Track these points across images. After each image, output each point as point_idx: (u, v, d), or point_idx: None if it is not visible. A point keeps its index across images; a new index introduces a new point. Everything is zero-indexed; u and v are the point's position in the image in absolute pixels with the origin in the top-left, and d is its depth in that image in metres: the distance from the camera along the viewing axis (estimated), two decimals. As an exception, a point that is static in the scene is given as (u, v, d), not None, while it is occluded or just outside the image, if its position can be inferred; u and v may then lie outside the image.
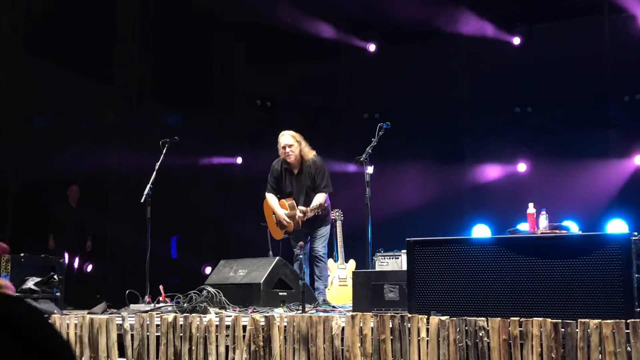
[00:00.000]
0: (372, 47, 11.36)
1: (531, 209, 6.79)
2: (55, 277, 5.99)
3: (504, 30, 10.75)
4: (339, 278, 7.77)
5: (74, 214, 9.72)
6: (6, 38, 8.88)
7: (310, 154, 7.29)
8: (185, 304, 5.79)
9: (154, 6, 10.42)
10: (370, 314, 4.30)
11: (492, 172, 10.96)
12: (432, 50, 11.14)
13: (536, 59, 10.51)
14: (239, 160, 11.57)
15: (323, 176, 7.20)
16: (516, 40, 10.77)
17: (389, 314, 4.25)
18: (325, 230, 7.37)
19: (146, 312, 5.15)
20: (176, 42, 10.54)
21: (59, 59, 9.19)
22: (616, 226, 9.03)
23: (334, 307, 6.28)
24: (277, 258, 6.72)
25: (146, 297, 6.82)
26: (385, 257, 8.21)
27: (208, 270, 9.91)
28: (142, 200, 7.33)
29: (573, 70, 10.27)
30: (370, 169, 7.19)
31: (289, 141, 7.20)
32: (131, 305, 6.34)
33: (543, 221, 6.73)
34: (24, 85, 8.97)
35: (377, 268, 7.82)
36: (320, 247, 7.29)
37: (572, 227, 8.04)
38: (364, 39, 11.30)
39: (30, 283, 5.57)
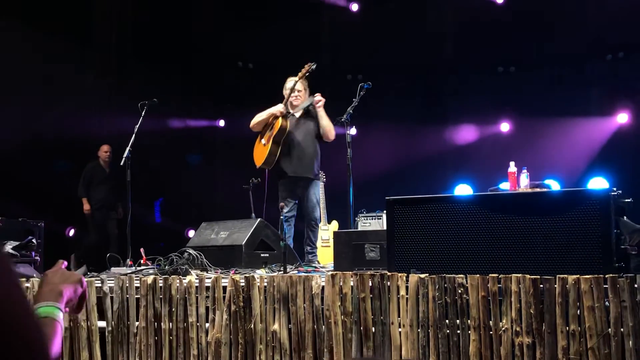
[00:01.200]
0: (354, 7, 11.24)
1: (512, 167, 6.79)
2: (33, 241, 5.94)
3: (487, -12, 10.66)
4: (321, 239, 7.78)
5: (105, 176, 9.65)
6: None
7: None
8: (166, 267, 5.77)
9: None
10: (351, 272, 4.29)
11: (475, 132, 10.94)
12: (415, 9, 11.03)
13: (519, 18, 10.44)
14: (222, 123, 11.48)
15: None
16: (499, -1, 10.69)
17: (369, 273, 4.24)
18: (320, 191, 7.30)
19: (126, 274, 5.12)
20: (156, 2, 10.37)
21: (36, 21, 9.02)
22: (598, 184, 9.07)
23: (315, 267, 6.28)
24: (259, 220, 6.69)
25: (128, 260, 6.81)
26: (368, 218, 8.23)
27: (192, 233, 9.89)
28: (121, 163, 7.28)
29: (556, 28, 10.21)
30: (352, 130, 7.16)
31: (297, 85, 7.21)
32: (112, 268, 6.31)
33: (524, 180, 6.74)
34: (1, 49, 8.82)
35: (360, 228, 7.83)
36: (318, 211, 7.23)
37: (554, 186, 8.07)
38: (346, -2, 11.19)
39: (9, 247, 5.52)
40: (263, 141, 7.12)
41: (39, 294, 1.65)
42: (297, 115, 7.19)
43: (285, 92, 7.31)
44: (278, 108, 7.11)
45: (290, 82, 7.29)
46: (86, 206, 9.66)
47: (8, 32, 8.74)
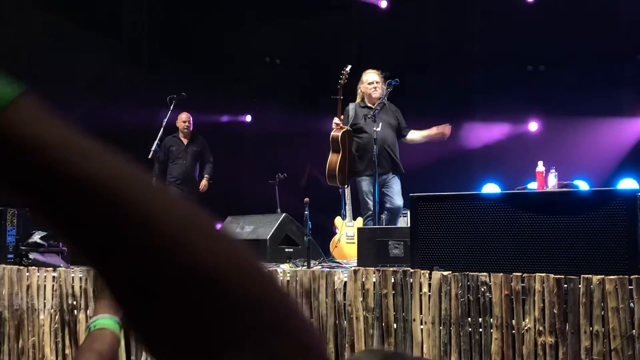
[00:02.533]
0: (383, 4, 11.21)
1: (540, 167, 6.75)
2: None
3: (517, -14, 10.58)
4: (346, 235, 7.78)
5: (183, 148, 9.09)
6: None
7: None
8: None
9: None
10: (373, 268, 4.30)
11: (503, 130, 10.86)
12: (444, 6, 10.97)
13: (549, 16, 10.34)
14: (248, 118, 11.53)
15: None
16: (530, -3, 10.59)
17: (392, 269, 4.25)
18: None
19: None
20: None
21: (67, 15, 9.13)
22: (627, 185, 8.96)
23: (339, 263, 6.29)
24: (284, 214, 6.73)
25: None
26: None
27: (218, 226, 9.94)
28: (149, 157, 7.36)
29: (586, 27, 10.09)
30: (379, 127, 7.16)
31: (376, 78, 7.39)
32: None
33: (552, 179, 6.69)
34: (33, 42, 8.94)
35: (385, 225, 7.82)
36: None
37: (583, 186, 7.99)
38: (376, -5, 11.16)
39: (37, 237, 5.60)
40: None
41: (99, 305, 1.66)
42: (379, 108, 7.19)
43: (362, 85, 7.41)
44: (335, 121, 7.24)
45: (370, 74, 7.37)
46: None
47: (39, 26, 8.86)
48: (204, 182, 9.19)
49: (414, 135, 7.39)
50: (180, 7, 10.40)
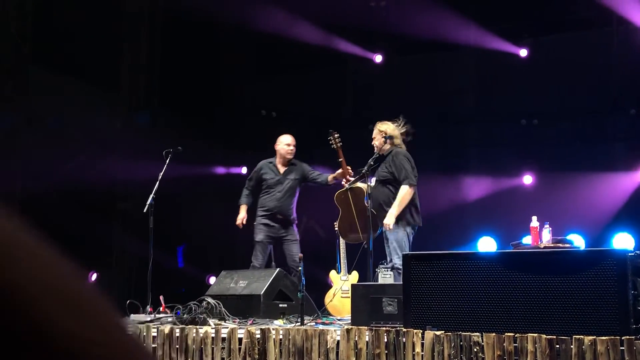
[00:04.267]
0: (378, 58, 11.37)
1: (534, 222, 6.77)
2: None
3: (510, 42, 10.73)
4: (341, 290, 7.76)
5: (279, 178, 8.11)
6: (13, 46, 8.96)
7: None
8: (185, 315, 5.80)
9: (161, 17, 10.49)
10: (366, 327, 4.29)
11: (497, 184, 10.92)
12: (438, 61, 11.14)
13: (543, 71, 10.49)
14: (244, 170, 11.59)
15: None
16: (523, 52, 10.74)
17: (385, 328, 4.24)
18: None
19: (145, 322, 5.15)
20: (182, 52, 10.58)
21: (66, 68, 9.24)
22: (622, 240, 8.98)
23: (333, 320, 6.27)
24: (278, 269, 6.73)
25: (148, 307, 6.84)
26: (388, 269, 8.20)
27: (212, 280, 9.93)
28: (144, 210, 7.38)
29: (580, 82, 10.24)
30: (372, 181, 7.21)
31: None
32: (131, 315, 6.35)
33: (546, 235, 6.70)
34: (32, 95, 9.03)
35: (380, 280, 7.80)
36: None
37: (577, 241, 8.01)
38: (370, 50, 11.31)
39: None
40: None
41: None
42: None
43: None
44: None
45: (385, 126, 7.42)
46: (241, 214, 8.13)
47: (36, 78, 8.97)
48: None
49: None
50: (178, 61, 10.54)
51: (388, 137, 7.21)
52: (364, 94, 11.40)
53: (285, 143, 8.07)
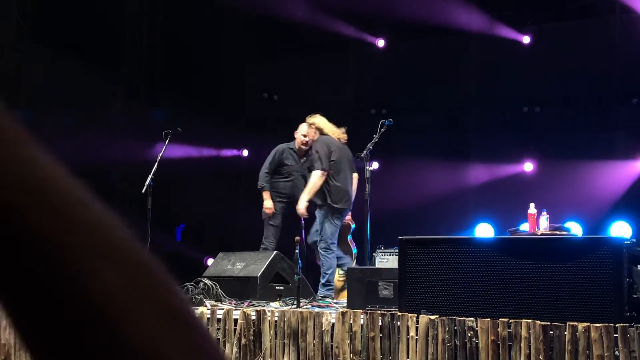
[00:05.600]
0: (380, 43, 11.33)
1: (532, 209, 6.76)
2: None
3: (514, 29, 10.69)
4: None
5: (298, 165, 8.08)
6: (15, 26, 8.92)
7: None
8: (181, 296, 5.80)
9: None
10: (361, 311, 4.30)
11: (498, 170, 10.91)
12: (441, 47, 11.09)
13: (545, 59, 10.45)
14: (245, 152, 11.59)
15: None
16: (526, 40, 10.70)
17: (379, 312, 4.25)
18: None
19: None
20: (184, 33, 10.55)
21: (67, 47, 9.21)
22: (620, 228, 8.98)
23: (329, 302, 6.28)
24: (275, 252, 6.73)
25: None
26: (386, 254, 8.20)
27: (210, 262, 9.95)
28: (143, 191, 7.37)
29: (582, 70, 10.20)
30: (372, 165, 7.21)
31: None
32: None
33: (543, 222, 6.70)
34: (32, 74, 9.01)
35: (377, 264, 7.81)
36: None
37: (575, 229, 8.01)
38: (373, 35, 11.27)
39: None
40: None
41: None
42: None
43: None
44: None
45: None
46: (270, 202, 7.79)
47: (40, 58, 8.94)
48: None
49: None
50: (180, 42, 10.50)
51: (317, 129, 7.39)
52: (366, 78, 11.35)
53: (301, 133, 7.94)
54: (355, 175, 7.45)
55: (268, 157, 8.06)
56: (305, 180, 7.81)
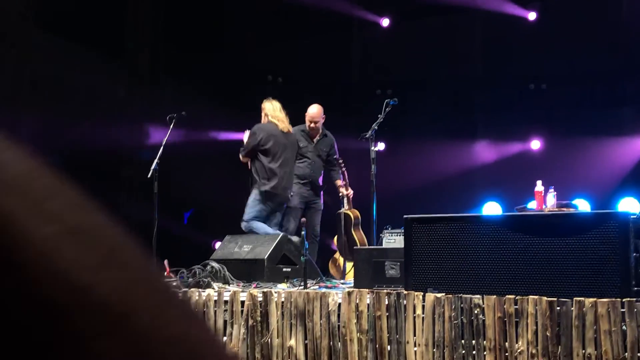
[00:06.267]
0: (385, 22, 11.25)
1: (539, 186, 6.73)
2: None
3: (519, 5, 10.60)
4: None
5: (309, 149, 8.23)
6: (17, 12, 8.90)
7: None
8: (189, 279, 5.81)
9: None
10: (367, 290, 4.29)
11: (504, 149, 10.86)
12: (446, 25, 11.01)
13: (551, 35, 10.36)
14: (250, 136, 11.56)
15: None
16: (531, 16, 10.61)
17: (385, 291, 4.24)
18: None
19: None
20: (187, 15, 10.50)
21: (69, 32, 9.19)
22: (628, 205, 8.94)
23: (336, 283, 6.29)
24: (282, 234, 6.73)
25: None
26: (393, 234, 8.19)
27: (218, 245, 9.96)
28: (149, 176, 7.37)
29: (589, 46, 10.11)
30: (377, 146, 7.18)
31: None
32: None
33: (551, 199, 6.67)
34: (35, 60, 8.99)
35: (385, 245, 7.81)
36: None
37: (583, 206, 7.97)
38: (377, 14, 11.19)
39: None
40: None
41: None
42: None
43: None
44: None
45: None
46: None
47: (39, 43, 8.92)
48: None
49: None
50: (182, 24, 10.46)
51: (265, 114, 7.83)
52: (371, 58, 11.28)
53: (309, 115, 8.12)
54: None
55: None
56: (321, 160, 8.01)
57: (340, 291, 4.67)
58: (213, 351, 0.46)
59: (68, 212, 0.44)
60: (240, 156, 7.75)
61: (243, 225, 7.44)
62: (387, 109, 6.97)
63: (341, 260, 7.57)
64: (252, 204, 7.49)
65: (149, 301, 0.44)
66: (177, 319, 0.45)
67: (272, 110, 7.71)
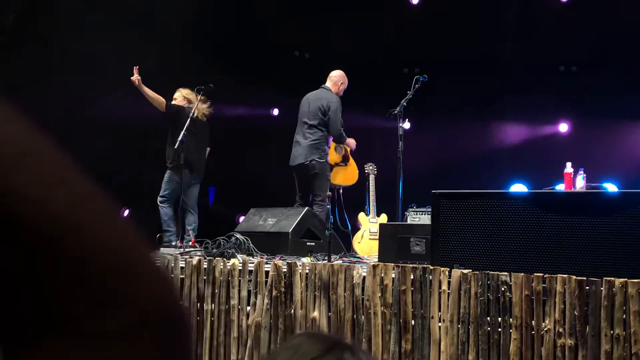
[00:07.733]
0: (414, 0, 11.13)
1: (569, 168, 6.66)
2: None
3: (552, -14, 10.44)
4: (369, 232, 7.76)
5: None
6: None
7: None
8: (213, 250, 5.83)
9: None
10: (393, 264, 4.27)
11: (533, 131, 10.75)
12: (476, 4, 10.87)
13: (583, 17, 10.19)
14: (276, 111, 11.54)
15: None
16: (565, -3, 10.45)
17: (411, 266, 4.22)
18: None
19: (173, 255, 5.19)
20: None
21: (100, 3, 9.19)
22: (657, 190, 8.81)
23: (360, 258, 6.28)
24: (307, 208, 6.72)
25: (177, 241, 6.91)
26: (418, 213, 8.16)
27: (242, 220, 9.98)
28: (175, 147, 7.39)
29: (620, 29, 9.94)
30: (405, 124, 7.13)
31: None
32: (161, 248, 6.42)
33: (580, 181, 6.60)
34: (65, 29, 9.00)
35: (409, 223, 7.79)
36: None
37: (612, 189, 7.86)
38: (407, -8, 11.08)
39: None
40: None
41: None
42: None
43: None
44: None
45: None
46: (352, 141, 8.38)
47: (70, 14, 8.93)
48: None
49: None
50: (211, 1, 10.42)
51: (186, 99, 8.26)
52: (399, 36, 11.17)
53: (343, 77, 8.73)
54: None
55: (335, 111, 7.98)
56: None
57: (365, 265, 4.66)
58: (148, 266, 0.55)
59: (25, 137, 0.53)
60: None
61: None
62: (416, 86, 6.92)
63: (365, 237, 7.55)
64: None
65: (96, 215, 0.53)
66: (119, 232, 0.54)
67: (193, 98, 8.20)
